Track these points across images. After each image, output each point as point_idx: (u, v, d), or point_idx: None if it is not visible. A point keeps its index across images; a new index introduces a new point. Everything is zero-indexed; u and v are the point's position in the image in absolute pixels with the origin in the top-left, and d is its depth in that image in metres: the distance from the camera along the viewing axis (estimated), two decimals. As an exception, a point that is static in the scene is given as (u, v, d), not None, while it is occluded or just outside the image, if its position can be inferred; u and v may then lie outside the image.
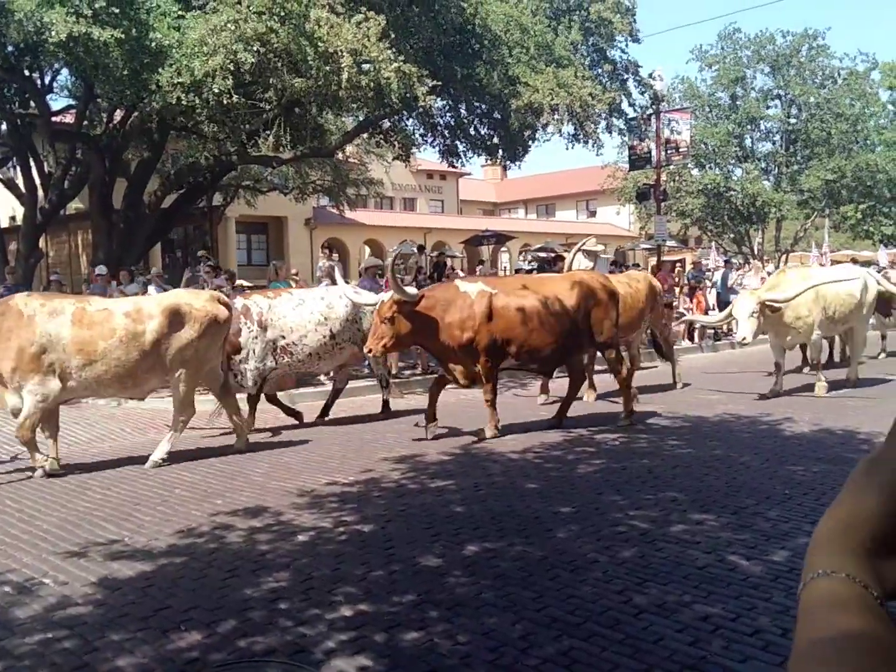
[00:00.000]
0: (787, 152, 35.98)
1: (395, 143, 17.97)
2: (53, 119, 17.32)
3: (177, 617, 3.78)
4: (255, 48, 11.81)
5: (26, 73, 15.34)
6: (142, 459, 7.26)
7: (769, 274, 14.94)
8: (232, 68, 11.73)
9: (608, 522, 5.11)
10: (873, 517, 0.88)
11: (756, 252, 35.33)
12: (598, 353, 9.13)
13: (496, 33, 15.94)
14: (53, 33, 10.88)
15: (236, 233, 30.00)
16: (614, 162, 32.52)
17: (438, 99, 16.19)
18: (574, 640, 3.44)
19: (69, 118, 17.89)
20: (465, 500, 5.71)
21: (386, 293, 8.39)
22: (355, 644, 3.45)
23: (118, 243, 16.94)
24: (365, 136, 19.29)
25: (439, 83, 13.86)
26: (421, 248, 21.29)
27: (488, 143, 18.61)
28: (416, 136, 18.65)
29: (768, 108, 36.34)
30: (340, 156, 21.36)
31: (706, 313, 16.58)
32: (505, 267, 32.73)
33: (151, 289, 13.20)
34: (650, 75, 21.20)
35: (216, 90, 11.73)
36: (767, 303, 9.72)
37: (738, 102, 35.51)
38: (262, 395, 9.16)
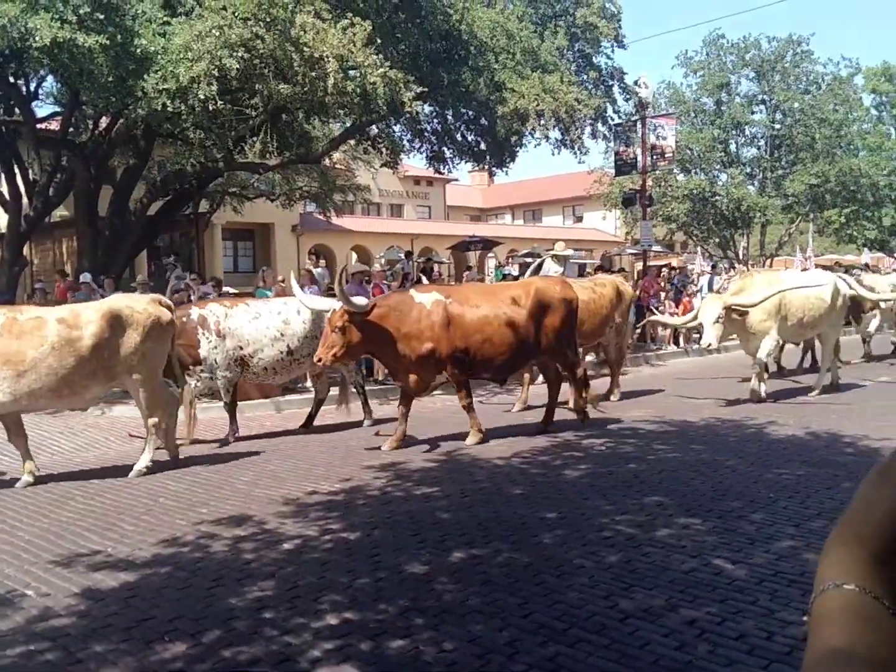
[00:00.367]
0: (772, 157, 36.20)
1: (383, 149, 17.97)
2: (38, 126, 17.21)
3: (161, 627, 3.75)
4: (240, 54, 11.77)
5: (11, 79, 15.24)
6: (126, 469, 7.21)
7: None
8: (217, 74, 11.69)
9: (594, 527, 5.11)
10: (884, 526, 0.87)
11: (741, 257, 35.53)
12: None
13: (482, 39, 15.97)
14: (38, 38, 10.81)
15: (223, 240, 29.87)
16: (600, 167, 32.63)
17: (425, 105, 16.20)
18: (560, 646, 3.44)
19: (54, 125, 17.77)
20: (450, 507, 5.71)
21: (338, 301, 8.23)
22: (341, 653, 3.44)
23: (104, 251, 16.83)
24: (352, 142, 19.28)
25: (426, 89, 13.86)
26: (408, 254, 21.32)
27: (475, 149, 18.64)
28: (404, 142, 18.67)
29: (753, 113, 36.56)
30: (327, 162, 21.33)
31: None
32: (492, 273, 32.76)
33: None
34: (636, 82, 21.29)
35: (202, 96, 11.69)
36: (733, 307, 9.64)
37: (722, 108, 35.71)
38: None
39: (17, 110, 16.36)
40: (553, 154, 45.50)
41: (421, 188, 43.03)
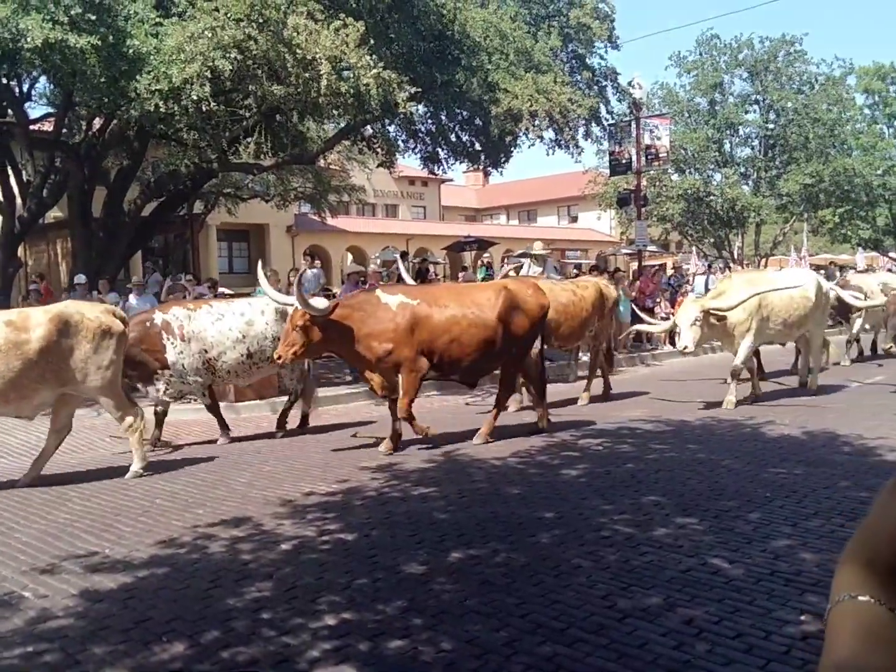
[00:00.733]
0: (766, 157, 36.29)
1: (378, 149, 17.96)
2: (32, 127, 17.16)
3: (159, 628, 3.75)
4: (233, 55, 11.74)
5: (3, 80, 15.19)
6: (122, 470, 7.20)
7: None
8: (210, 75, 11.66)
9: (592, 527, 5.12)
10: None
11: (736, 256, 35.58)
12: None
13: (475, 40, 15.96)
14: (29, 39, 10.78)
15: (217, 241, 29.86)
16: (595, 168, 32.68)
17: (419, 106, 16.19)
18: (558, 646, 3.44)
19: (48, 126, 17.72)
20: (448, 507, 5.71)
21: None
22: (339, 653, 3.44)
23: (98, 252, 16.79)
24: (347, 143, 19.26)
25: (419, 90, 13.85)
26: (403, 255, 21.28)
27: (469, 149, 18.63)
28: (399, 142, 18.65)
29: (747, 113, 36.64)
30: (322, 163, 21.31)
31: None
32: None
33: (132, 297, 13.13)
34: (629, 83, 21.34)
35: (195, 97, 11.66)
36: (712, 311, 9.54)
37: (716, 108, 35.77)
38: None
39: (9, 111, 16.31)
40: (548, 154, 45.42)
41: (416, 188, 43.01)
